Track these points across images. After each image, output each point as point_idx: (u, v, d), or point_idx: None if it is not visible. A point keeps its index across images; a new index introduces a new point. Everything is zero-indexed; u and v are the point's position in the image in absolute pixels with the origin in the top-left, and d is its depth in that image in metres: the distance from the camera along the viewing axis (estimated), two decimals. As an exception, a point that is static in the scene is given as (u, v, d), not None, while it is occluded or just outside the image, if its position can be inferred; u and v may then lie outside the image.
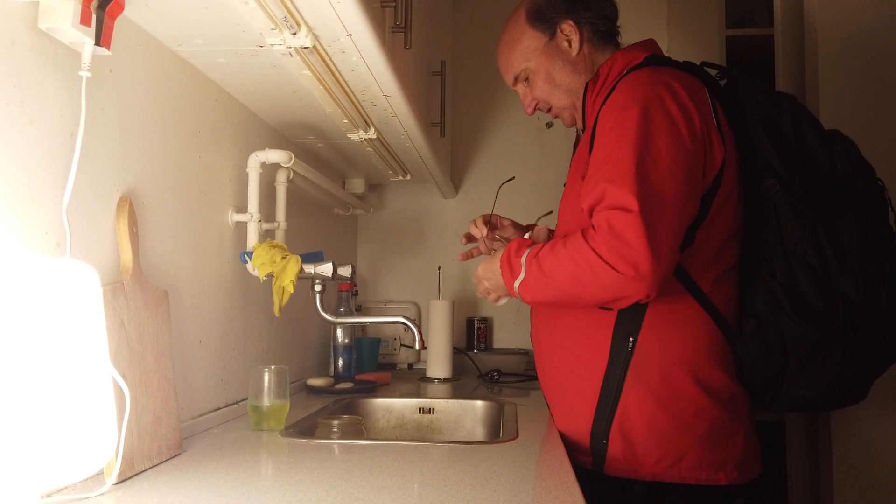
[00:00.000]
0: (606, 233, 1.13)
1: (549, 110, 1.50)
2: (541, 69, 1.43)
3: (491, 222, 1.55)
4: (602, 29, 1.43)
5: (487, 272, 1.39)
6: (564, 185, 1.46)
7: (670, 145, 1.17)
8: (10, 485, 0.66)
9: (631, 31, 1.47)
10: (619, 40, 1.46)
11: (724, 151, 1.23)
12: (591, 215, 1.19)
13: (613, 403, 1.24)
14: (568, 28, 1.41)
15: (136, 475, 0.97)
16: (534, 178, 2.55)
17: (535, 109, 1.51)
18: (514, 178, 1.74)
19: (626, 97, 1.23)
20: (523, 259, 1.26)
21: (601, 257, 1.13)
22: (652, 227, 1.12)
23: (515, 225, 1.59)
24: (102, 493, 0.89)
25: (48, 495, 0.85)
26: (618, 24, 1.46)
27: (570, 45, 1.42)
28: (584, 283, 1.16)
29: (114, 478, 0.92)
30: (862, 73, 1.72)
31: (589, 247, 1.15)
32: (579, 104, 1.43)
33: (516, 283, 1.27)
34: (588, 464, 1.26)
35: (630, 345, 1.24)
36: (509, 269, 1.29)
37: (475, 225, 1.55)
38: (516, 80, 1.49)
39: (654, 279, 1.12)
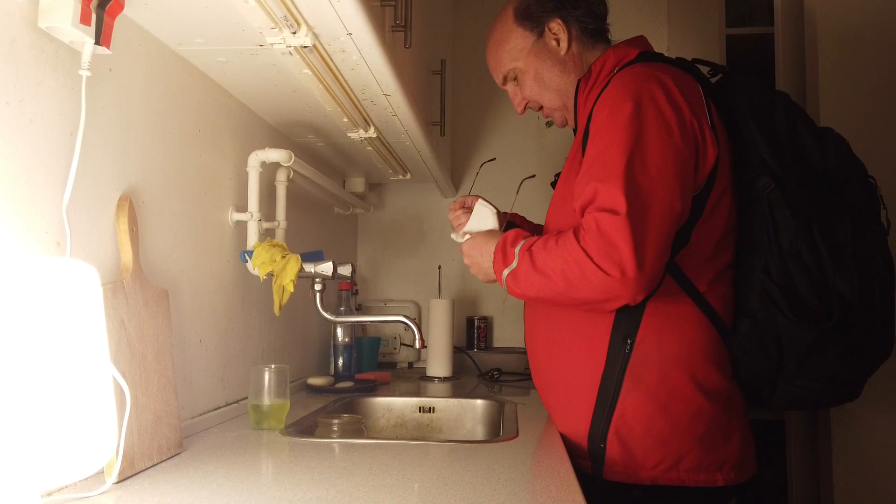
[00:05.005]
0: (595, 234, 1.13)
1: (540, 108, 1.49)
2: (529, 69, 1.43)
3: (465, 205, 1.52)
4: (591, 27, 1.42)
5: (474, 251, 1.37)
6: (552, 184, 1.46)
7: (660, 145, 1.16)
8: (10, 484, 0.66)
9: (631, 30, 1.46)
10: (611, 37, 1.45)
11: (718, 149, 1.22)
12: (582, 215, 1.18)
13: (611, 406, 1.23)
14: (556, 27, 1.40)
15: (136, 474, 0.97)
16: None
17: (525, 109, 1.50)
18: (494, 158, 1.78)
19: (619, 94, 1.22)
20: (517, 250, 1.24)
21: (591, 258, 1.12)
22: (638, 229, 1.11)
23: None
24: (103, 493, 0.89)
25: (48, 494, 0.85)
26: (608, 21, 1.45)
27: (558, 44, 1.41)
28: (574, 282, 1.15)
29: (114, 477, 0.92)
30: (862, 71, 1.72)
31: (580, 247, 1.14)
32: (570, 104, 1.42)
33: (506, 272, 1.25)
34: (587, 468, 1.25)
35: (628, 346, 1.23)
36: (503, 256, 1.27)
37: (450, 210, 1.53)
38: (505, 79, 1.48)
39: (640, 282, 1.11)
